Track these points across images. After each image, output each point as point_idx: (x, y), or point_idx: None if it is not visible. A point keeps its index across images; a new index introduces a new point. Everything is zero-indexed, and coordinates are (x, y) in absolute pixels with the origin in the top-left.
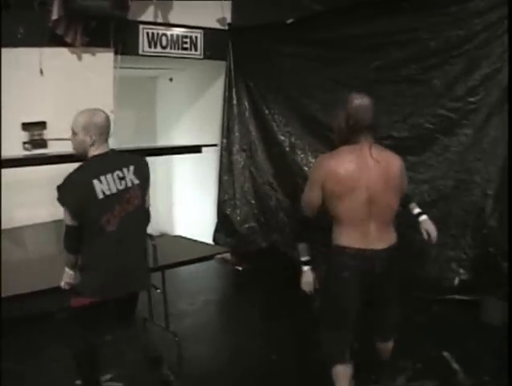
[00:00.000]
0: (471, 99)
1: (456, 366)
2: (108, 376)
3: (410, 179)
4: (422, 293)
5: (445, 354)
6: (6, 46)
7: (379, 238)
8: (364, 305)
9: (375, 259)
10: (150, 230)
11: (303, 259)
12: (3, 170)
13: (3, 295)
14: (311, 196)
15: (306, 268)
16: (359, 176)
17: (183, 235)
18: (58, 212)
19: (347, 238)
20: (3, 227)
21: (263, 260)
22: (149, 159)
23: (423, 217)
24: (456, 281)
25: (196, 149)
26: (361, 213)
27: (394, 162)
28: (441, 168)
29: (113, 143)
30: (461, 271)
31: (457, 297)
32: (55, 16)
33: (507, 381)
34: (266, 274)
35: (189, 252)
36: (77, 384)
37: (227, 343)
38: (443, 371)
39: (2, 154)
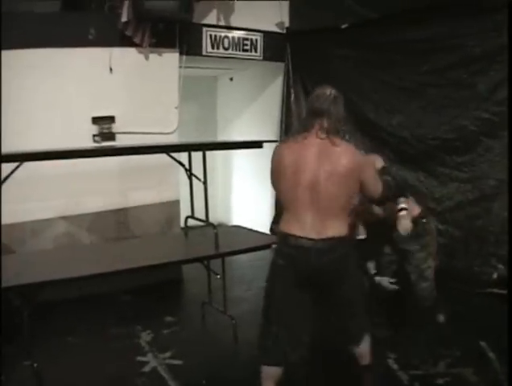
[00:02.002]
0: None
1: (491, 355)
2: (167, 354)
3: (456, 178)
4: (462, 285)
5: (482, 344)
6: (79, 46)
7: (318, 228)
8: (313, 305)
9: (311, 249)
10: (211, 219)
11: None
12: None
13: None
14: (271, 183)
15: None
16: (298, 164)
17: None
18: None
19: (285, 224)
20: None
21: None
22: (210, 153)
23: (402, 213)
24: (495, 275)
25: (257, 144)
26: (299, 201)
27: (346, 157)
28: (484, 168)
29: (178, 137)
30: (500, 266)
31: (496, 290)
32: (124, 18)
33: None
34: None
35: (249, 240)
36: None
37: None
38: (479, 360)
39: (74, 146)
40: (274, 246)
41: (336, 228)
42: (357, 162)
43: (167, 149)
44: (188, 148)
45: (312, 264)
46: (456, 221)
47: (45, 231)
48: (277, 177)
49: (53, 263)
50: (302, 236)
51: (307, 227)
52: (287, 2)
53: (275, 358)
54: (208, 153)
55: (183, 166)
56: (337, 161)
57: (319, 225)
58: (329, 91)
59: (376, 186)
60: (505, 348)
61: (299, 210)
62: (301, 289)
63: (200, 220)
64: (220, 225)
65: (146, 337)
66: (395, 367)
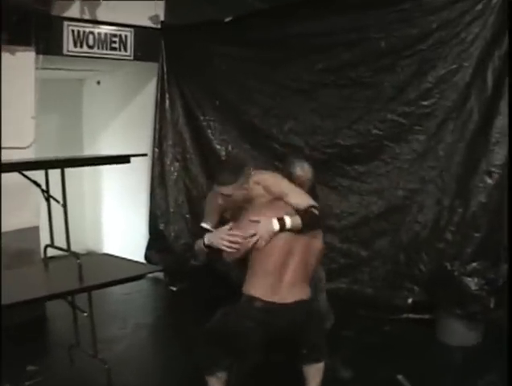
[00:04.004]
0: (424, 103)
1: None
2: None
3: (358, 190)
4: (372, 312)
5: (399, 377)
6: None
7: None
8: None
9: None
10: (75, 248)
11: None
12: None
13: None
14: None
15: None
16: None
17: (112, 252)
18: None
19: None
20: None
21: (199, 280)
22: (75, 170)
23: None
24: (410, 299)
25: (124, 159)
26: None
27: None
28: (391, 178)
29: (35, 152)
30: (415, 288)
31: (412, 316)
32: None
33: None
34: (203, 295)
35: (118, 270)
36: None
37: (160, 371)
38: None
39: None
40: None
41: None
42: None
43: (17, 166)
44: (43, 165)
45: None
46: (360, 239)
47: None
48: None
49: None
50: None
51: None
52: None
53: (223, 365)
54: (73, 171)
55: (39, 186)
56: None
57: None
58: None
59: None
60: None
61: None
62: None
63: (61, 249)
64: (87, 254)
65: None
66: None
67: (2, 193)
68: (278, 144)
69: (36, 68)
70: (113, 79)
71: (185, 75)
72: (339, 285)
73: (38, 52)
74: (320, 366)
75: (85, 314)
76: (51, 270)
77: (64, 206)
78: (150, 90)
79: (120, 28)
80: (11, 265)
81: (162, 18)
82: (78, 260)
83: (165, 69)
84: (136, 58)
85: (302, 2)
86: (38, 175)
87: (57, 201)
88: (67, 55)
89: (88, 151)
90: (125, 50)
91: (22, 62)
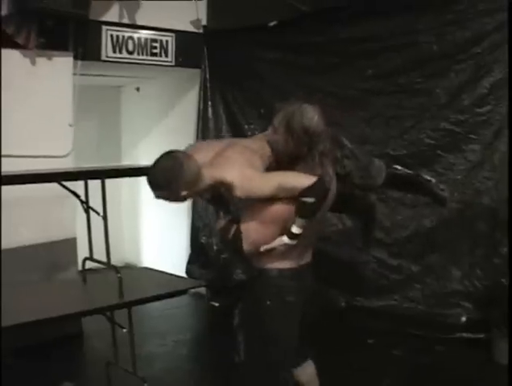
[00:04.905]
0: (479, 110)
1: None
2: None
3: (409, 202)
4: (424, 331)
5: None
6: None
7: None
8: None
9: None
10: (116, 260)
11: None
12: None
13: None
14: None
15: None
16: None
17: (151, 266)
18: None
19: None
20: None
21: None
22: (112, 181)
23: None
24: (464, 318)
25: None
26: None
27: None
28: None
29: (73, 162)
30: (469, 306)
31: (465, 335)
32: (4, 12)
33: None
34: None
35: (159, 285)
36: None
37: None
38: None
39: None
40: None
41: None
42: None
43: (58, 177)
44: (85, 176)
45: None
46: (410, 254)
47: None
48: None
49: None
50: None
51: None
52: None
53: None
54: (110, 181)
55: (78, 197)
56: None
57: None
58: None
59: None
60: None
61: None
62: None
63: (100, 262)
64: (126, 267)
65: None
66: None
67: (39, 203)
68: None
69: (74, 74)
70: (153, 85)
71: (228, 82)
72: (389, 301)
73: (76, 58)
74: (312, 371)
75: (125, 330)
76: (90, 284)
77: (105, 218)
78: (191, 97)
79: (161, 33)
80: (47, 278)
81: (204, 22)
82: (118, 275)
83: (208, 76)
84: (178, 64)
85: (348, 5)
86: (76, 185)
87: (97, 213)
88: (105, 61)
89: (127, 160)
90: (167, 55)
91: (60, 67)
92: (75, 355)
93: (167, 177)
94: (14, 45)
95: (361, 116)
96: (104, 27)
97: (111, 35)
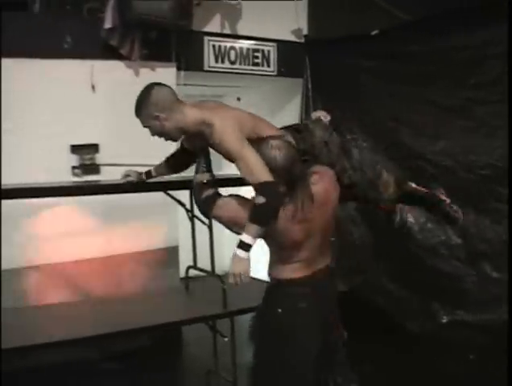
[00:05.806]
0: None
1: None
2: None
3: None
4: None
5: None
6: (51, 57)
7: None
8: None
9: None
10: (217, 269)
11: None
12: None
13: None
14: None
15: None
16: None
17: (253, 275)
18: None
19: None
20: None
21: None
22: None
23: None
24: None
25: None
26: None
27: None
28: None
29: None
30: None
31: None
32: (108, 25)
33: None
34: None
35: (261, 294)
36: None
37: None
38: None
39: (48, 180)
40: None
41: None
42: None
43: (167, 186)
44: (189, 185)
45: None
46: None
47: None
48: None
49: (28, 324)
50: None
51: None
52: (305, 4)
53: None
54: None
55: (183, 206)
56: None
57: None
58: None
59: None
60: None
61: None
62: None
63: (203, 271)
64: (226, 275)
65: None
66: None
67: (146, 210)
68: (429, 164)
69: (177, 84)
70: (254, 95)
71: (330, 92)
72: (492, 315)
73: (179, 68)
74: None
75: (226, 339)
76: (192, 292)
77: (210, 226)
78: (293, 107)
79: (262, 43)
80: (149, 285)
81: (305, 31)
82: (223, 285)
83: (309, 86)
84: (280, 74)
85: (450, 13)
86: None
87: (202, 222)
88: (208, 71)
89: (227, 170)
90: (268, 65)
91: (163, 78)
92: (174, 363)
93: (139, 99)
94: (119, 56)
95: (465, 125)
96: (206, 38)
97: (213, 46)
